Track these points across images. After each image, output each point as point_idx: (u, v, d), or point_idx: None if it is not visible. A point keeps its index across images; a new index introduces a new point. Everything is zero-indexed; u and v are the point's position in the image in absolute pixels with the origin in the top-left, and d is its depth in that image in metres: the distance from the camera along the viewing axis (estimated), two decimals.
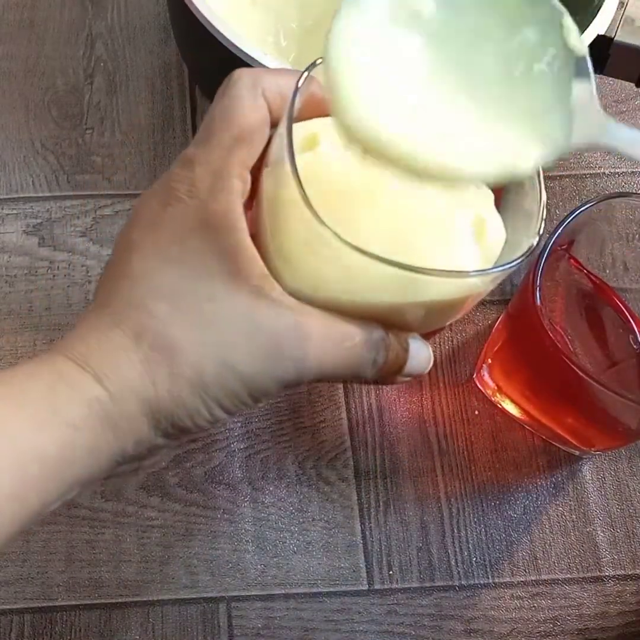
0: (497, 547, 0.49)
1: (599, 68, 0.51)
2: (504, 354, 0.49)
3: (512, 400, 0.50)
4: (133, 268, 0.32)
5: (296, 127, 0.32)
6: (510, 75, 0.30)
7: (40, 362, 0.31)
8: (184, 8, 0.46)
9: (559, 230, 0.43)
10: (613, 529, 0.49)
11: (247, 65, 0.44)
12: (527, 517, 0.49)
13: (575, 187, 0.57)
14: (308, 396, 0.51)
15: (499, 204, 0.36)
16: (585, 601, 0.48)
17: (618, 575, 0.49)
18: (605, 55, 0.50)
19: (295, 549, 0.48)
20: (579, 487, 0.50)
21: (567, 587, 0.48)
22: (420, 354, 0.36)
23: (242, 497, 0.49)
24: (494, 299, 0.54)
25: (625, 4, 0.49)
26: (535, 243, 0.33)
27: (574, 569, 0.49)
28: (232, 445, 0.50)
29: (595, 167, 0.58)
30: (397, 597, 0.47)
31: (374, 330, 0.34)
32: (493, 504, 0.50)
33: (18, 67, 0.59)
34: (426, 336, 0.37)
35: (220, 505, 0.48)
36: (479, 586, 0.48)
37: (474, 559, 0.48)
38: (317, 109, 0.34)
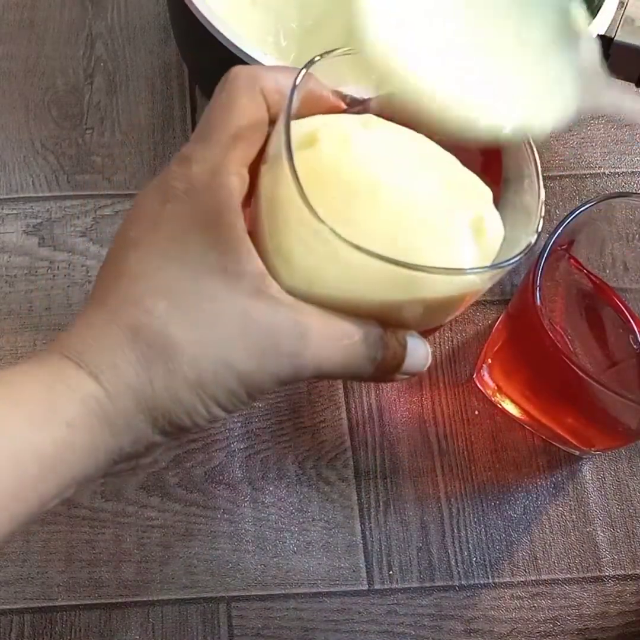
0: (497, 547, 0.49)
1: None
2: (504, 354, 0.49)
3: (512, 400, 0.50)
4: (130, 266, 0.32)
5: (294, 124, 0.32)
6: (525, 39, 0.31)
7: (37, 361, 0.31)
8: (184, 8, 0.46)
9: (559, 230, 0.43)
10: (613, 529, 0.49)
11: (247, 65, 0.44)
12: (527, 517, 0.49)
13: (575, 187, 0.57)
14: (308, 396, 0.51)
15: (497, 201, 0.36)
16: (585, 601, 0.48)
17: (618, 575, 0.49)
18: (605, 55, 0.50)
19: (295, 549, 0.48)
20: (579, 487, 0.50)
21: (567, 587, 0.48)
22: (418, 352, 0.36)
23: (242, 497, 0.49)
24: (494, 299, 0.54)
25: (625, 4, 0.49)
26: (533, 241, 0.33)
27: (574, 569, 0.49)
28: (232, 445, 0.50)
29: (595, 167, 0.58)
30: (397, 597, 0.47)
31: (372, 328, 0.34)
32: (493, 504, 0.49)
33: (18, 67, 0.59)
34: (424, 334, 0.37)
35: (220, 505, 0.48)
36: (479, 586, 0.48)
37: (474, 559, 0.48)
38: (315, 106, 0.34)
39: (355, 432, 0.50)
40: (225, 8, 0.49)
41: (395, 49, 0.30)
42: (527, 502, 0.50)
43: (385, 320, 0.34)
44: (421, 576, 0.48)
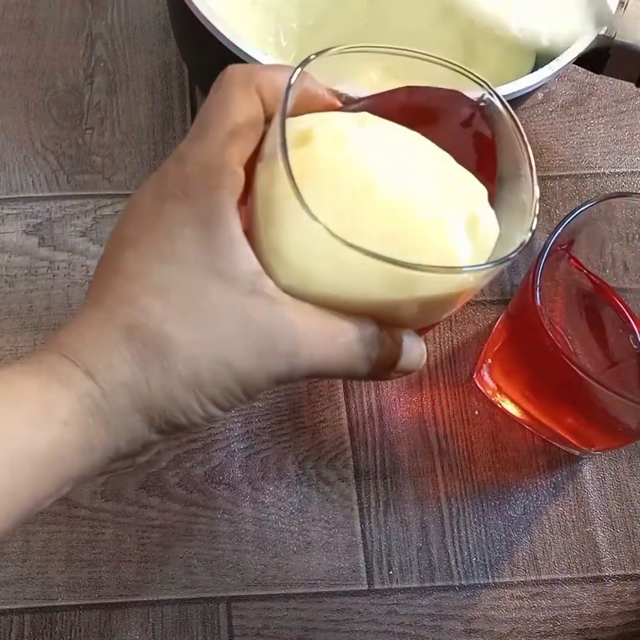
0: (497, 547, 0.49)
1: (599, 68, 0.51)
2: (504, 354, 0.49)
3: (512, 400, 0.50)
4: (126, 264, 0.32)
5: (290, 122, 0.32)
6: None
7: (33, 360, 0.31)
8: (184, 8, 0.46)
9: (559, 230, 0.43)
10: (613, 529, 0.49)
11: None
12: (527, 517, 0.49)
13: (575, 187, 0.57)
14: (308, 396, 0.51)
15: (492, 199, 0.36)
16: (585, 601, 0.48)
17: (618, 575, 0.49)
18: (605, 55, 0.50)
19: (295, 549, 0.48)
20: (579, 487, 0.50)
21: (567, 587, 0.48)
22: (414, 350, 0.36)
23: (242, 497, 0.49)
24: (494, 299, 0.54)
25: (625, 4, 0.49)
26: (527, 240, 0.33)
27: (574, 569, 0.49)
28: (232, 445, 0.50)
29: (595, 167, 0.58)
30: (397, 597, 0.47)
31: (367, 326, 0.34)
32: (493, 504, 0.49)
33: (18, 67, 0.59)
34: (420, 331, 0.37)
35: (220, 505, 0.48)
36: (479, 586, 0.48)
37: (474, 559, 0.48)
38: (311, 104, 0.34)
39: (355, 432, 0.50)
40: (225, 8, 0.49)
41: None
42: (527, 502, 0.50)
43: (381, 318, 0.34)
44: (421, 576, 0.48)
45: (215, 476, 0.49)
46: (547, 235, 0.44)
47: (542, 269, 0.43)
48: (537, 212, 0.34)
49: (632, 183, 0.58)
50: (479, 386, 0.52)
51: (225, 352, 0.31)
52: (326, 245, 0.30)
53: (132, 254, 0.32)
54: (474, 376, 0.52)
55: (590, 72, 0.52)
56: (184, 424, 0.32)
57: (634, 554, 0.49)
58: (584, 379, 0.41)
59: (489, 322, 0.53)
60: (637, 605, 0.48)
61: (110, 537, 0.47)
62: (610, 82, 0.60)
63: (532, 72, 0.48)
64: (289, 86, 0.32)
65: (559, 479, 0.50)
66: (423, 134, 0.36)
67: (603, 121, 0.60)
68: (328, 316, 0.33)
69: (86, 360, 0.31)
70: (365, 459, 0.50)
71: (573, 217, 0.44)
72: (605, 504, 0.50)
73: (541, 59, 0.52)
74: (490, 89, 0.35)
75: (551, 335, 0.42)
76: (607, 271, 0.48)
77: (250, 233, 0.33)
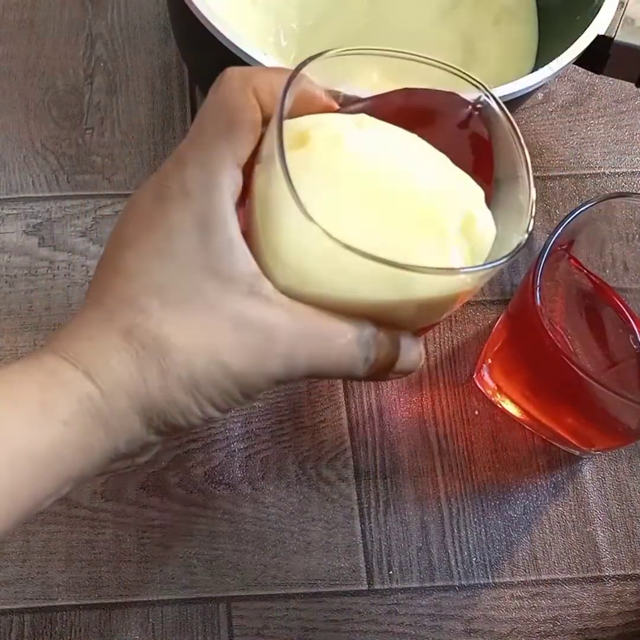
0: (497, 547, 0.49)
1: (599, 68, 0.51)
2: (504, 354, 0.49)
3: (512, 400, 0.50)
4: (126, 265, 0.32)
5: (287, 124, 0.32)
6: None
7: (33, 361, 0.31)
8: (184, 8, 0.46)
9: (559, 230, 0.43)
10: (613, 529, 0.49)
11: (247, 65, 0.44)
12: (527, 517, 0.49)
13: (575, 187, 0.57)
14: (308, 396, 0.51)
15: (489, 200, 0.36)
16: (585, 601, 0.48)
17: (618, 575, 0.49)
18: (605, 55, 0.50)
19: (295, 549, 0.48)
20: (579, 487, 0.50)
21: (567, 587, 0.48)
22: (412, 351, 0.36)
23: (242, 497, 0.49)
24: (494, 299, 0.54)
25: (625, 4, 0.49)
26: (524, 241, 0.33)
27: (574, 569, 0.49)
28: (232, 445, 0.50)
29: (595, 167, 0.58)
30: (397, 597, 0.47)
31: (365, 327, 0.34)
32: (493, 504, 0.49)
33: (18, 67, 0.59)
34: (418, 332, 0.37)
35: (220, 505, 0.48)
36: (479, 586, 0.48)
37: (474, 559, 0.48)
38: (308, 106, 0.35)
39: (355, 432, 0.50)
40: (225, 8, 0.49)
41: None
42: (527, 502, 0.50)
43: (379, 320, 0.34)
44: (421, 576, 0.48)
45: (215, 476, 0.49)
46: (547, 235, 0.44)
47: (542, 269, 0.43)
48: (533, 213, 0.34)
49: (632, 183, 0.58)
50: (479, 386, 0.52)
51: (221, 353, 0.31)
52: (323, 246, 0.30)
53: (132, 254, 0.32)
54: (474, 376, 0.52)
55: (590, 72, 0.52)
56: (183, 425, 0.32)
57: (634, 554, 0.49)
58: (584, 379, 0.41)
59: (489, 322, 0.53)
60: (637, 605, 0.48)
61: (110, 537, 0.47)
62: (610, 82, 0.60)
63: (532, 72, 0.48)
64: (287, 88, 0.32)
65: (559, 479, 0.50)
66: (420, 136, 0.36)
67: (603, 121, 0.60)
68: (326, 317, 0.33)
69: (85, 361, 0.31)
70: (365, 459, 0.50)
71: (573, 217, 0.44)
72: (605, 504, 0.50)
73: (541, 59, 0.52)
74: (487, 91, 0.35)
75: (551, 335, 0.42)
76: (607, 271, 0.48)
77: (248, 234, 0.33)
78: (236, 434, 0.50)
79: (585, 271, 0.48)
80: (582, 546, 0.49)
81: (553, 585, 0.48)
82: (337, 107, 0.36)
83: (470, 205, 0.35)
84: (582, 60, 0.49)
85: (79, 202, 0.55)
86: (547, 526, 0.49)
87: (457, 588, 0.48)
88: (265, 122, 0.34)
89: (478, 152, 0.37)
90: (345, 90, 0.36)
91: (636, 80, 0.52)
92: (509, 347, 0.48)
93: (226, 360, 0.31)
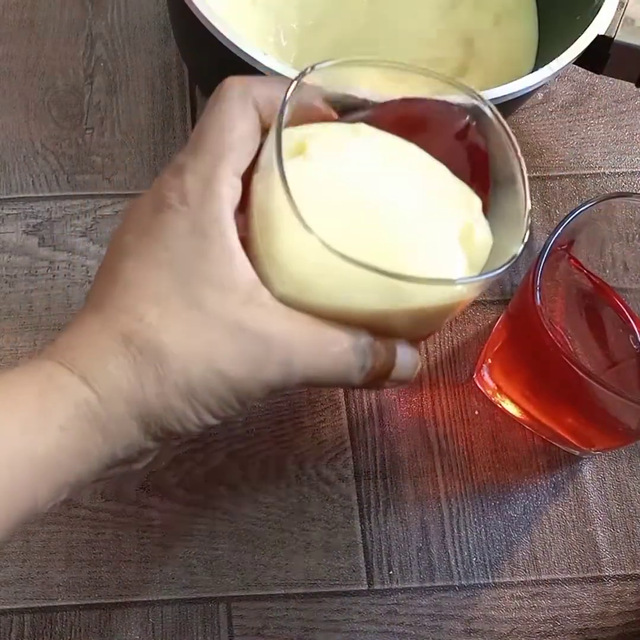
0: (497, 547, 0.49)
1: (599, 68, 0.51)
2: (504, 354, 0.49)
3: (512, 400, 0.50)
4: (125, 273, 0.33)
5: (286, 133, 0.32)
6: None
7: (30, 367, 0.32)
8: (184, 8, 0.46)
9: (559, 230, 0.43)
10: (613, 529, 0.49)
11: (248, 65, 0.44)
12: (527, 517, 0.49)
13: (575, 187, 0.57)
14: (308, 396, 0.51)
15: (486, 209, 0.36)
16: (585, 601, 0.48)
17: (618, 575, 0.49)
18: (605, 55, 0.50)
19: (295, 549, 0.48)
20: (579, 487, 0.50)
21: (567, 587, 0.48)
22: (408, 360, 0.37)
23: (242, 497, 0.49)
24: (494, 299, 0.54)
25: (625, 4, 0.49)
26: (519, 252, 0.33)
27: (574, 569, 0.49)
28: (232, 445, 0.49)
29: (595, 167, 0.58)
30: (397, 597, 0.47)
31: (361, 336, 0.34)
32: (493, 504, 0.49)
33: (18, 67, 0.59)
34: (414, 341, 0.37)
35: (220, 505, 0.48)
36: (479, 586, 0.48)
37: (474, 559, 0.48)
38: (307, 115, 0.35)
39: (355, 432, 0.50)
40: (225, 8, 0.49)
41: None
42: (527, 502, 0.50)
43: (375, 328, 0.34)
44: (421, 576, 0.48)
45: (215, 476, 0.49)
46: (547, 235, 0.44)
47: (542, 269, 0.43)
48: (529, 223, 0.34)
49: (632, 183, 0.58)
50: (479, 386, 0.52)
51: (218, 360, 0.32)
52: (320, 256, 0.31)
53: (131, 263, 0.33)
54: (474, 376, 0.52)
55: (590, 72, 0.52)
56: (179, 431, 0.33)
57: (634, 554, 0.49)
58: (584, 379, 0.41)
59: (489, 322, 0.53)
60: (637, 605, 0.48)
61: (110, 537, 0.47)
62: (610, 82, 0.60)
63: (532, 72, 0.48)
64: (285, 99, 0.32)
65: (559, 479, 0.50)
66: (418, 145, 0.36)
67: (603, 121, 0.60)
68: (322, 325, 0.33)
69: (82, 366, 0.31)
70: (365, 459, 0.50)
71: (573, 217, 0.44)
72: (605, 504, 0.50)
73: (541, 59, 0.52)
74: (484, 100, 0.36)
75: (551, 335, 0.42)
76: (607, 271, 0.48)
77: (247, 242, 0.33)
78: (236, 434, 0.50)
79: (585, 271, 0.48)
80: (582, 546, 0.49)
81: (553, 585, 0.48)
82: (336, 116, 0.36)
83: (468, 216, 0.35)
84: (582, 60, 0.49)
85: (79, 202, 0.55)
86: (547, 526, 0.49)
87: (457, 588, 0.48)
88: (264, 131, 0.34)
89: (475, 162, 0.37)
90: (348, 89, 0.36)
91: (636, 80, 0.52)
92: (509, 347, 0.48)
93: (223, 367, 0.32)
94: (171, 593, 0.47)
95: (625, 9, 0.49)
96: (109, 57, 0.59)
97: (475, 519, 0.49)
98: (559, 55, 0.48)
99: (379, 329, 0.34)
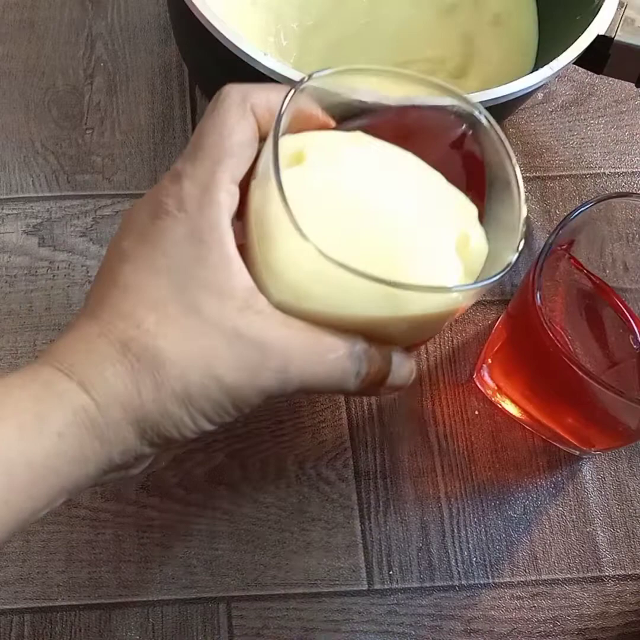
0: (497, 547, 0.49)
1: (599, 68, 0.51)
2: (504, 354, 0.49)
3: (512, 400, 0.50)
4: (123, 279, 0.33)
5: (283, 141, 0.32)
6: None
7: (28, 373, 0.32)
8: (184, 8, 0.46)
9: (559, 230, 0.43)
10: (613, 529, 0.49)
11: (248, 65, 0.44)
12: (527, 517, 0.49)
13: (575, 187, 0.57)
14: (308, 396, 0.51)
15: (481, 217, 0.36)
16: (585, 601, 0.48)
17: (618, 575, 0.49)
18: (605, 55, 0.50)
19: (295, 549, 0.48)
20: (579, 487, 0.50)
21: (567, 587, 0.48)
22: (403, 367, 0.37)
23: (242, 497, 0.49)
24: (494, 299, 0.54)
25: (625, 4, 0.49)
26: (514, 260, 0.33)
27: (574, 569, 0.49)
28: (232, 445, 0.49)
29: (595, 167, 0.58)
30: (397, 597, 0.47)
31: (357, 342, 0.34)
32: (493, 504, 0.49)
33: (18, 67, 0.59)
34: (410, 348, 0.38)
35: (220, 505, 0.48)
36: (479, 586, 0.48)
37: (474, 559, 0.48)
38: (305, 123, 0.35)
39: (355, 432, 0.50)
40: (225, 8, 0.49)
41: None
42: (527, 502, 0.50)
43: (371, 335, 0.35)
44: (421, 576, 0.48)
45: (215, 476, 0.49)
46: (547, 235, 0.44)
47: (542, 269, 0.43)
48: (524, 230, 0.34)
49: (632, 183, 0.58)
50: (479, 386, 0.52)
51: (215, 367, 0.32)
52: (317, 263, 0.31)
53: (129, 269, 0.33)
54: (474, 376, 0.52)
55: (590, 72, 0.52)
56: (176, 437, 0.33)
57: (634, 554, 0.49)
58: (584, 379, 0.41)
59: (489, 322, 0.53)
60: (637, 605, 0.48)
61: (110, 537, 0.47)
62: (610, 82, 0.60)
63: (532, 72, 0.48)
64: (283, 106, 0.32)
65: (559, 479, 0.50)
66: (415, 154, 0.36)
67: (603, 121, 0.60)
68: (318, 332, 0.33)
69: (80, 372, 0.31)
70: (365, 459, 0.50)
71: (573, 217, 0.44)
72: (605, 504, 0.50)
73: (541, 59, 0.52)
74: (480, 109, 0.36)
75: (551, 335, 0.42)
76: (607, 271, 0.48)
77: (244, 249, 0.33)
78: (236, 434, 0.50)
79: (585, 271, 0.48)
80: (582, 546, 0.49)
81: (553, 585, 0.48)
82: (333, 124, 0.36)
83: (464, 224, 0.35)
84: (582, 60, 0.49)
85: (79, 202, 0.55)
86: (547, 526, 0.49)
87: (457, 588, 0.48)
88: (262, 138, 0.34)
89: (471, 170, 0.37)
90: (350, 90, 0.36)
91: (636, 80, 0.52)
92: (509, 347, 0.48)
93: (220, 374, 0.32)
94: (171, 593, 0.47)
95: (625, 9, 0.49)
96: (109, 57, 0.59)
97: (475, 519, 0.49)
98: (559, 55, 0.48)
99: (376, 335, 0.35)
